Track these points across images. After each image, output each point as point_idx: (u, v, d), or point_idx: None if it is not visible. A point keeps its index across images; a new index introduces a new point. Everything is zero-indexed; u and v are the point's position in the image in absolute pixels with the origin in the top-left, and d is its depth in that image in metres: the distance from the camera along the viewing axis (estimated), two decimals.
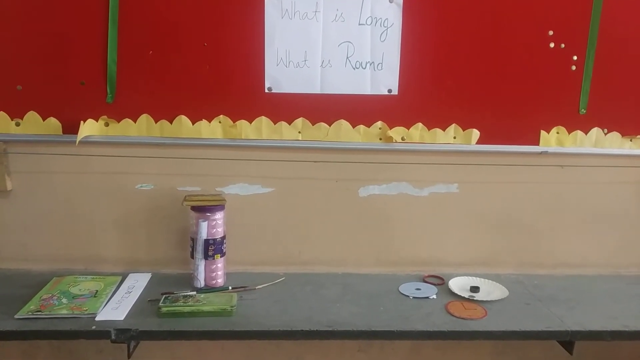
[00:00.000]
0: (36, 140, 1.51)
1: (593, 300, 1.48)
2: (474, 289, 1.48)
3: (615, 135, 1.59)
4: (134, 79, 1.49)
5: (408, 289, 1.50)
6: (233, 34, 1.47)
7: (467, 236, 1.65)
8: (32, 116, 1.49)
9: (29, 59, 1.46)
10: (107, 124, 1.51)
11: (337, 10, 1.48)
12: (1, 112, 1.49)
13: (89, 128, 1.48)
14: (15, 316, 1.28)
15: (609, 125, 1.58)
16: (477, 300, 1.43)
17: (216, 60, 1.48)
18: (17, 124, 1.50)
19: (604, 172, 1.63)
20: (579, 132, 1.58)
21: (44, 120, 1.50)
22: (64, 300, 1.36)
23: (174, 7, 1.45)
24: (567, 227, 1.66)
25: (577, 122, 1.58)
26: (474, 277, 1.57)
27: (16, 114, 1.49)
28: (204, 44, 1.48)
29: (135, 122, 1.51)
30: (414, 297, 1.45)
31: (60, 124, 1.50)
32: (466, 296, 1.45)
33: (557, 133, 1.58)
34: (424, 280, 1.58)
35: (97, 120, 1.50)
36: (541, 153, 1.59)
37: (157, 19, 1.46)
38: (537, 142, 1.58)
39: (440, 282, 1.56)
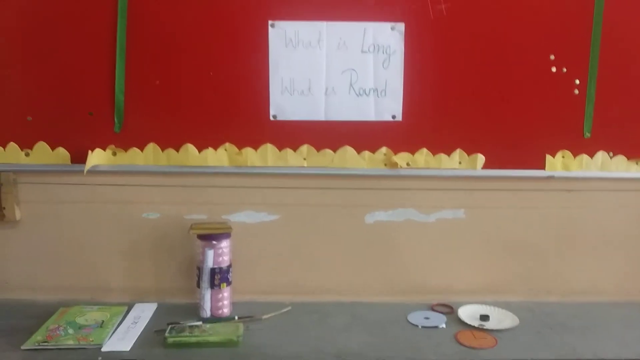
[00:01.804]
0: (45, 170, 1.53)
1: (606, 327, 1.45)
2: (484, 318, 1.46)
3: (621, 159, 1.58)
4: (141, 108, 1.51)
5: (417, 318, 1.48)
6: (238, 64, 1.50)
7: (475, 263, 1.63)
8: (41, 146, 1.51)
9: (39, 90, 1.49)
10: (114, 153, 1.53)
11: (340, 38, 1.50)
12: (11, 142, 1.51)
13: (97, 157, 1.50)
14: (22, 347, 1.28)
15: (614, 149, 1.58)
16: (487, 329, 1.41)
17: (222, 89, 1.51)
18: (27, 154, 1.52)
19: (611, 196, 1.61)
20: (584, 156, 1.57)
21: (52, 150, 1.52)
22: (70, 331, 1.35)
23: (181, 38, 1.48)
24: (576, 252, 1.64)
25: (582, 146, 1.57)
26: (484, 305, 1.54)
27: (26, 144, 1.51)
28: (209, 73, 1.50)
29: (142, 151, 1.52)
30: (422, 327, 1.43)
31: (68, 154, 1.52)
32: (476, 325, 1.43)
33: (563, 157, 1.57)
34: (432, 308, 1.55)
35: (104, 150, 1.52)
36: (547, 177, 1.58)
37: (163, 50, 1.49)
38: (543, 167, 1.57)
39: (449, 310, 1.53)
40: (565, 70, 1.53)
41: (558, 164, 1.57)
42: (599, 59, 1.52)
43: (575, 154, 1.57)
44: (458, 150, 1.55)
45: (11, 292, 1.59)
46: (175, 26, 1.48)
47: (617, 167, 1.58)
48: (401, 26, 1.49)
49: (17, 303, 1.55)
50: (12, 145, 1.51)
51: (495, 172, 1.56)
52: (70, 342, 1.30)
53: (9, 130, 1.51)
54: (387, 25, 1.49)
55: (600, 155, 1.58)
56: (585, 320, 1.49)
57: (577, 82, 1.54)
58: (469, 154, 1.56)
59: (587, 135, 1.56)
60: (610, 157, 1.58)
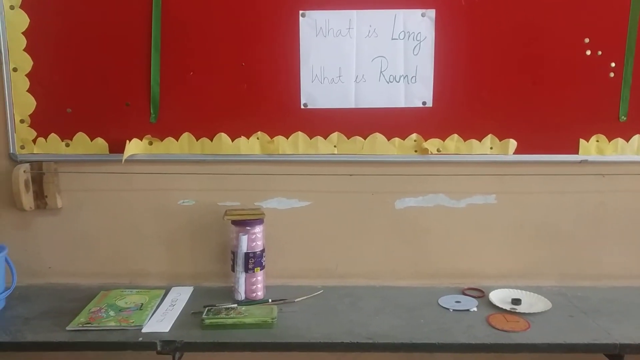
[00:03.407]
0: (84, 159, 1.58)
1: None
2: (516, 301, 1.46)
3: None
4: (176, 99, 1.55)
5: (448, 301, 1.49)
6: (269, 54, 1.52)
7: (506, 248, 1.63)
8: (80, 137, 1.57)
9: (78, 83, 1.55)
10: (150, 143, 1.57)
11: (370, 26, 1.51)
12: (52, 134, 1.57)
13: (134, 147, 1.55)
14: (67, 328, 1.34)
15: None
16: (519, 313, 1.41)
17: (253, 79, 1.53)
18: (67, 145, 1.57)
19: None
20: (619, 140, 1.55)
21: (91, 140, 1.57)
22: (112, 313, 1.41)
23: (213, 30, 1.51)
24: (609, 237, 1.62)
25: (618, 130, 1.55)
26: (515, 290, 1.54)
27: (66, 135, 1.57)
28: (241, 64, 1.53)
29: (177, 141, 1.56)
30: (454, 310, 1.44)
31: (107, 144, 1.57)
32: (508, 308, 1.43)
33: (597, 141, 1.55)
34: (463, 292, 1.56)
35: (141, 140, 1.56)
36: (581, 162, 1.56)
37: (196, 42, 1.52)
38: (576, 151, 1.55)
39: (480, 294, 1.54)
40: (600, 53, 1.50)
41: (592, 148, 1.55)
42: (637, 42, 1.49)
43: (610, 138, 1.55)
44: (489, 136, 1.55)
45: (54, 277, 1.66)
46: (208, 18, 1.51)
47: None
48: (432, 12, 1.49)
49: (61, 287, 1.62)
50: (53, 136, 1.57)
51: (527, 157, 1.55)
52: (112, 324, 1.35)
53: (50, 122, 1.57)
54: (417, 12, 1.49)
55: (637, 138, 1.55)
56: (619, 305, 1.47)
57: (613, 65, 1.51)
58: (500, 139, 1.55)
59: (623, 118, 1.54)
60: None
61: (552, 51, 1.51)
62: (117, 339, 1.30)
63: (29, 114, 1.55)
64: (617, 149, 1.55)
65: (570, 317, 1.41)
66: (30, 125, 1.56)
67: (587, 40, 1.50)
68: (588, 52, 1.51)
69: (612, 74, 1.52)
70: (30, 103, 1.55)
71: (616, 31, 1.50)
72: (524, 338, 1.29)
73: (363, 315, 1.42)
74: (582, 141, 1.55)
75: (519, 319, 1.37)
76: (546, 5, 1.48)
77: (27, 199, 1.57)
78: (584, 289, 1.59)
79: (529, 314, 1.40)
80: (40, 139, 1.57)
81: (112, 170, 1.59)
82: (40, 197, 1.59)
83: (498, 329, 1.33)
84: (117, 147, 1.55)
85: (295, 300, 1.50)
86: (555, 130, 1.54)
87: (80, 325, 1.35)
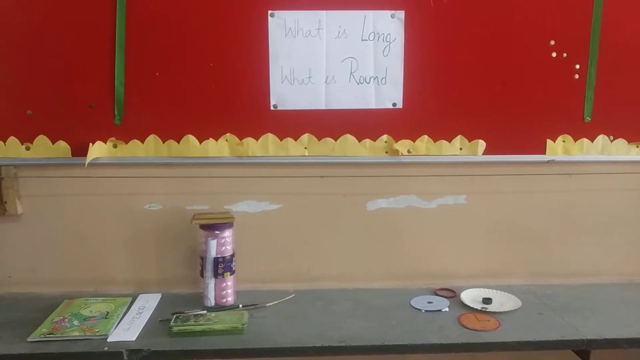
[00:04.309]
0: (46, 163, 1.53)
1: (607, 308, 1.47)
2: (487, 301, 1.47)
3: (621, 142, 1.59)
4: (141, 100, 1.51)
5: (420, 302, 1.49)
6: (238, 54, 1.50)
7: (477, 248, 1.64)
8: (41, 140, 1.51)
9: (38, 84, 1.49)
10: (115, 146, 1.53)
11: (340, 27, 1.50)
12: (12, 137, 1.51)
13: (98, 150, 1.50)
14: (28, 339, 1.29)
15: (614, 132, 1.59)
16: (490, 312, 1.42)
17: (222, 79, 1.51)
18: (27, 148, 1.52)
19: (611, 179, 1.62)
20: (585, 140, 1.58)
21: (53, 143, 1.51)
22: (76, 323, 1.36)
23: (180, 29, 1.48)
24: (577, 235, 1.66)
25: (583, 130, 1.58)
26: (486, 289, 1.56)
27: (26, 138, 1.51)
28: (209, 64, 1.50)
29: (143, 143, 1.52)
30: (426, 311, 1.44)
31: (69, 147, 1.52)
32: (479, 308, 1.44)
33: (563, 141, 1.58)
34: (435, 293, 1.57)
35: (105, 142, 1.52)
36: (548, 162, 1.59)
37: (163, 41, 1.48)
38: (543, 151, 1.58)
39: (451, 294, 1.55)
40: (565, 55, 1.53)
41: (559, 148, 1.58)
42: (600, 44, 1.52)
43: (575, 138, 1.58)
44: (459, 137, 1.56)
45: (15, 286, 1.59)
46: (175, 17, 1.47)
47: (618, 150, 1.59)
48: (401, 14, 1.49)
49: (21, 296, 1.56)
50: (13, 140, 1.51)
51: (496, 158, 1.57)
52: (76, 334, 1.30)
53: (9, 125, 1.50)
54: (387, 13, 1.49)
55: (601, 139, 1.59)
56: (587, 302, 1.50)
57: (578, 67, 1.54)
58: (469, 140, 1.56)
59: (588, 119, 1.57)
60: (611, 141, 1.59)
61: (520, 53, 1.53)
62: (81, 349, 1.26)
63: None
64: (582, 149, 1.59)
65: (539, 314, 1.43)
66: None
67: (552, 42, 1.53)
68: (554, 54, 1.53)
69: (577, 76, 1.55)
70: None
71: (580, 33, 1.53)
72: (495, 337, 1.30)
73: (335, 319, 1.41)
74: (549, 141, 1.58)
75: (489, 318, 1.39)
76: (513, 7, 1.51)
77: None
78: (553, 287, 1.61)
79: (500, 312, 1.42)
80: None
81: (75, 174, 1.53)
82: None
83: (469, 329, 1.33)
84: (80, 151, 1.50)
85: (267, 305, 1.48)
86: (523, 131, 1.57)
87: (43, 335, 1.30)
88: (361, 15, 1.50)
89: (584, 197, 1.63)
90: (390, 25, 1.50)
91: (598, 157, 1.59)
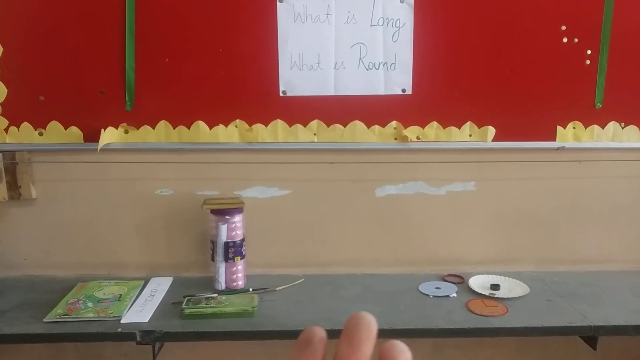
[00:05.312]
0: (59, 149, 1.55)
1: (615, 295, 1.47)
2: (495, 287, 1.48)
3: (632, 129, 1.58)
4: (152, 86, 1.52)
5: (428, 288, 1.50)
6: (247, 40, 1.50)
7: (485, 234, 1.64)
8: (54, 126, 1.53)
9: (50, 70, 1.51)
10: (126, 131, 1.54)
11: (349, 12, 1.49)
12: (25, 122, 1.53)
13: (109, 136, 1.52)
14: (44, 319, 1.32)
15: (626, 119, 1.57)
16: (497, 298, 1.43)
17: (231, 65, 1.51)
18: (40, 134, 1.54)
19: (622, 166, 1.61)
20: (595, 127, 1.57)
21: (65, 129, 1.53)
22: (90, 304, 1.39)
23: (189, 16, 1.48)
24: (586, 222, 1.65)
25: (594, 117, 1.57)
26: (494, 275, 1.56)
27: (39, 124, 1.53)
28: (219, 50, 1.50)
29: (154, 129, 1.54)
30: (434, 296, 1.45)
31: (81, 133, 1.53)
32: (487, 294, 1.45)
33: (574, 128, 1.57)
34: (443, 279, 1.58)
35: (117, 128, 1.53)
36: (558, 149, 1.58)
37: (172, 28, 1.49)
38: (553, 138, 1.57)
39: (459, 280, 1.56)
40: (576, 40, 1.51)
41: (569, 135, 1.57)
42: (611, 29, 1.50)
43: (586, 125, 1.57)
44: (468, 123, 1.55)
45: (30, 269, 1.62)
46: (184, 3, 1.48)
47: (629, 137, 1.58)
48: None
49: (36, 279, 1.59)
50: (26, 125, 1.53)
51: (506, 144, 1.57)
52: (91, 315, 1.33)
53: (23, 111, 1.52)
54: None
55: (612, 125, 1.57)
56: (595, 289, 1.51)
57: (589, 52, 1.52)
58: (479, 126, 1.56)
59: (599, 105, 1.56)
60: (622, 128, 1.58)
61: (530, 39, 1.51)
62: (95, 329, 1.29)
63: (0, 102, 1.51)
64: (593, 136, 1.57)
65: (547, 301, 1.43)
66: (2, 114, 1.52)
67: (563, 27, 1.51)
68: (565, 40, 1.52)
69: (588, 62, 1.53)
70: (1, 91, 1.50)
71: (592, 19, 1.51)
72: (502, 322, 1.31)
73: (343, 303, 1.42)
74: (559, 128, 1.57)
75: (497, 304, 1.39)
76: None
77: (1, 190, 1.53)
78: (561, 274, 1.62)
79: (508, 298, 1.42)
80: (13, 128, 1.53)
81: (87, 159, 1.56)
82: (13, 187, 1.55)
83: (477, 314, 1.34)
84: (92, 136, 1.52)
85: (277, 289, 1.50)
86: (533, 117, 1.56)
87: (58, 316, 1.33)
88: (370, 0, 1.49)
89: (594, 184, 1.62)
90: (400, 10, 1.49)
91: (609, 144, 1.58)
